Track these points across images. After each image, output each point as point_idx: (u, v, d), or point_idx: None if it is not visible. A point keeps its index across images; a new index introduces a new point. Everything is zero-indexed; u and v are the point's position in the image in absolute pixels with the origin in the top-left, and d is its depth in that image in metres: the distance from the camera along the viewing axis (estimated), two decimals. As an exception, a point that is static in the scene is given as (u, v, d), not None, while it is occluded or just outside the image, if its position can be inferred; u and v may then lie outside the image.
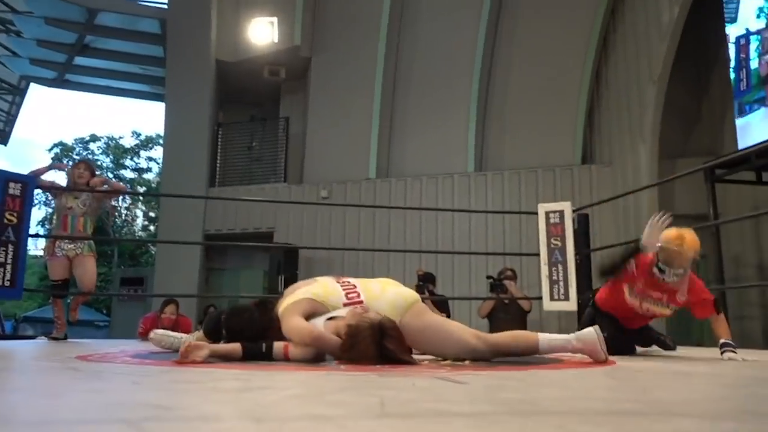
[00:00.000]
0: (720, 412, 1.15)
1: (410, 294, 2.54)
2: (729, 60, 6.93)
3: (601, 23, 8.21)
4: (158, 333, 3.09)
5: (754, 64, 6.61)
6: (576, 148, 8.35)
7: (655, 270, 2.96)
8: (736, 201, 7.04)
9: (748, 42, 6.72)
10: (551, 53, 8.41)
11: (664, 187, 7.08)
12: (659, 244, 2.96)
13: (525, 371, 2.07)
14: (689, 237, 2.92)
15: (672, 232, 2.96)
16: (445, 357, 2.42)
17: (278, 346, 2.27)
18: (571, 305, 5.14)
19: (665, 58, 7.15)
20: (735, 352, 2.83)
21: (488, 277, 6.06)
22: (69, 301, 5.17)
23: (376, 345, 2.08)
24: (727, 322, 3.01)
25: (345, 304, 2.39)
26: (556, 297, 5.15)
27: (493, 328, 6.01)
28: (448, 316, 5.96)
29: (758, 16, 6.73)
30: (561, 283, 5.13)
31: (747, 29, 6.71)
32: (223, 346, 2.33)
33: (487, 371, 2.01)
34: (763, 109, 6.54)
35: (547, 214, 5.32)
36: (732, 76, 6.79)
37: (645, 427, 0.96)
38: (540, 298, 5.30)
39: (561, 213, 5.24)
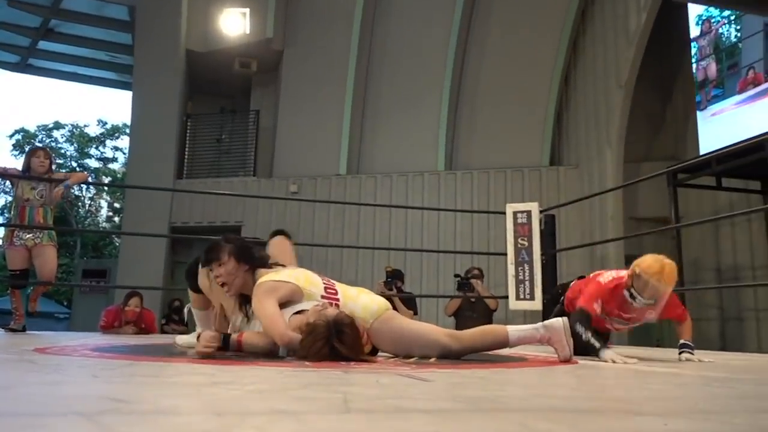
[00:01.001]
0: (674, 411, 1.18)
1: (383, 301, 2.57)
2: (692, 66, 7.14)
3: (571, 27, 8.34)
4: (182, 339, 3.11)
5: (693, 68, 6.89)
6: (544, 149, 8.47)
7: (626, 293, 2.91)
8: (697, 205, 7.24)
9: (688, 47, 6.99)
10: (522, 56, 8.51)
11: (628, 190, 7.25)
12: (637, 270, 2.86)
13: (488, 369, 2.10)
14: (668, 270, 2.84)
15: (651, 262, 2.86)
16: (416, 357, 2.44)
17: (233, 338, 2.26)
18: (537, 305, 5.22)
19: (632, 63, 7.30)
20: (692, 353, 2.88)
21: (456, 276, 6.11)
22: (29, 292, 5.04)
23: (329, 343, 2.07)
24: (691, 324, 3.03)
25: (322, 296, 2.40)
26: (522, 296, 5.23)
27: (460, 326, 6.06)
28: (416, 314, 5.99)
29: (697, 23, 6.98)
30: (527, 283, 5.21)
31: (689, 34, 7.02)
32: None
33: (450, 369, 2.03)
34: (698, 113, 6.78)
35: (514, 214, 5.40)
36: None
37: (602, 425, 0.98)
38: (506, 297, 5.37)
39: (528, 213, 5.31)
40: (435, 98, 8.70)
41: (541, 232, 5.35)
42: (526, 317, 7.48)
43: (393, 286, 5.81)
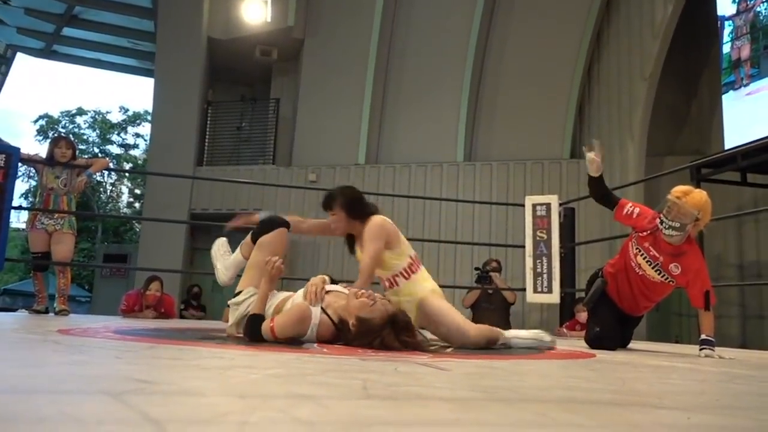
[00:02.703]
0: (696, 406, 1.17)
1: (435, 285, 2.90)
2: (719, 60, 6.99)
3: (595, 19, 8.22)
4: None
5: (726, 48, 6.71)
6: (565, 142, 8.39)
7: (658, 221, 2.94)
8: (721, 201, 7.10)
9: (722, 27, 6.82)
10: (544, 46, 8.42)
11: (650, 184, 7.15)
12: (668, 195, 2.93)
13: (506, 360, 2.09)
14: (695, 193, 2.86)
15: (681, 186, 2.94)
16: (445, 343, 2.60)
17: (265, 325, 2.27)
18: (554, 298, 5.19)
19: (657, 56, 7.19)
20: (713, 350, 2.84)
21: (476, 269, 6.10)
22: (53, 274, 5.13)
23: (392, 339, 2.08)
24: (713, 319, 2.97)
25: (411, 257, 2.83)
26: (539, 290, 5.20)
27: (477, 318, 6.06)
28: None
29: (733, 1, 6.82)
30: (545, 276, 5.18)
31: (722, 15, 6.82)
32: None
33: (467, 359, 2.03)
34: (731, 93, 6.63)
35: (533, 206, 5.36)
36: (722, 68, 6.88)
37: (623, 417, 0.98)
38: (524, 290, 5.35)
39: (548, 206, 5.28)
40: (455, 88, 8.64)
41: (561, 225, 5.32)
42: (543, 310, 7.46)
43: (410, 276, 5.81)
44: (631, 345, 3.41)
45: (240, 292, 2.62)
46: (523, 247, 5.37)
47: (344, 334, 2.21)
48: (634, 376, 1.78)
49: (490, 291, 5.90)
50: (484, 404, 1.03)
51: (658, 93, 7.38)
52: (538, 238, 5.27)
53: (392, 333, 2.09)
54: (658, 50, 7.15)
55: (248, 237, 2.84)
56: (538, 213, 5.32)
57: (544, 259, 5.20)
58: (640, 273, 3.10)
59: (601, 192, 3.31)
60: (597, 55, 8.45)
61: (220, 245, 3.01)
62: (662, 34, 7.07)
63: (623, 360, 2.44)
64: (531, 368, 1.88)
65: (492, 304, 5.94)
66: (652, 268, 3.04)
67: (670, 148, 8.03)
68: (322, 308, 2.27)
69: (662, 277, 3.03)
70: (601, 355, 2.71)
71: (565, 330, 5.52)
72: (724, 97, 6.65)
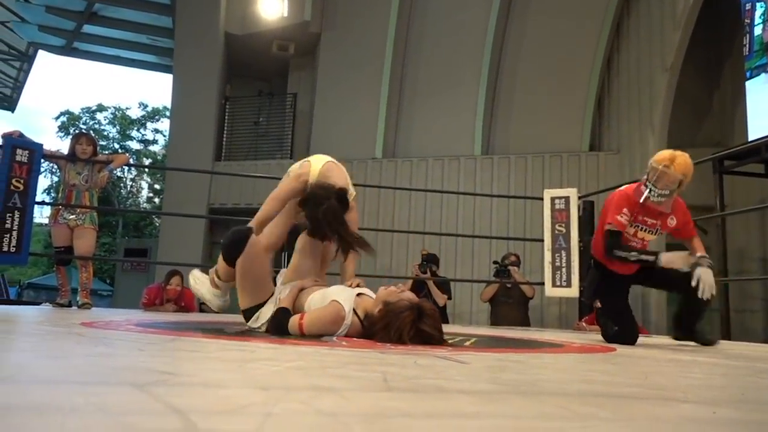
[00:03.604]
0: (720, 400, 1.15)
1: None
2: (743, 50, 6.85)
3: (615, 9, 8.11)
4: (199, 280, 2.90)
5: (758, 30, 6.56)
6: (584, 134, 8.31)
7: (643, 188, 2.99)
8: (744, 193, 7.00)
9: (753, 8, 6.66)
10: (563, 38, 8.33)
11: (671, 177, 7.03)
12: (650, 162, 3.02)
13: (525, 354, 2.09)
14: (680, 159, 2.96)
15: (665, 152, 3.02)
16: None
17: (293, 320, 2.28)
18: (573, 292, 5.16)
19: (678, 46, 7.07)
20: (710, 267, 2.93)
21: (494, 263, 6.08)
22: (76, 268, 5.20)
23: (414, 327, 2.06)
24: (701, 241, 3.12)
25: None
26: (558, 283, 5.17)
27: (495, 312, 6.05)
28: (450, 298, 5.99)
29: None
30: (563, 270, 5.15)
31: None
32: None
33: (487, 352, 2.03)
34: (763, 75, 6.49)
35: (552, 199, 5.33)
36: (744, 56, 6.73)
37: (645, 411, 0.97)
38: (542, 284, 5.32)
39: (566, 199, 5.24)
40: (473, 82, 8.59)
41: (580, 218, 5.28)
42: (562, 304, 7.41)
43: (428, 269, 5.82)
44: (651, 340, 3.37)
45: (250, 309, 2.56)
46: (542, 240, 5.34)
47: (368, 325, 2.21)
48: (656, 370, 1.76)
49: (509, 285, 5.88)
50: (505, 397, 1.03)
51: (679, 84, 7.27)
52: (556, 232, 5.23)
53: (417, 319, 2.08)
54: (679, 40, 7.04)
55: (220, 260, 2.69)
56: (557, 206, 5.28)
57: (563, 253, 5.17)
58: (643, 243, 3.11)
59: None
60: (616, 45, 8.34)
61: (196, 277, 2.89)
62: (684, 24, 6.95)
63: (644, 354, 2.42)
64: (551, 362, 1.87)
65: (510, 298, 5.92)
66: (653, 233, 3.10)
67: (692, 140, 7.91)
68: (354, 310, 2.27)
69: (660, 234, 3.13)
70: (622, 349, 2.69)
71: (584, 324, 5.48)
72: (749, 84, 6.51)
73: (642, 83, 7.80)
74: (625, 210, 3.03)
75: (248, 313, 2.56)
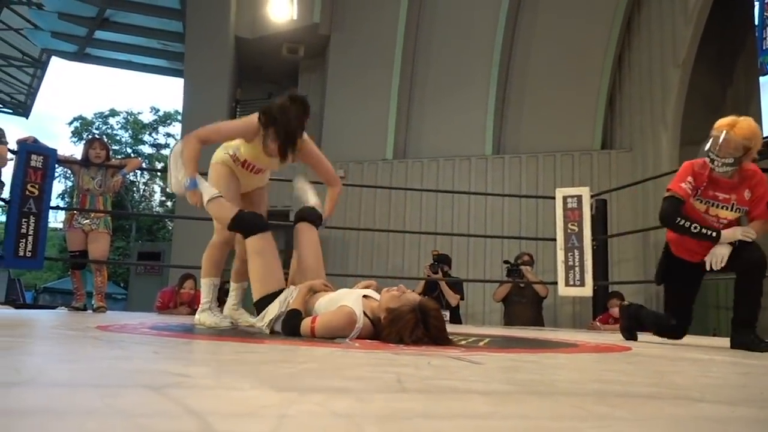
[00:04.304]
0: (739, 399, 1.14)
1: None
2: (756, 45, 6.77)
3: (625, 5, 8.05)
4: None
5: None
6: (596, 132, 8.26)
7: (707, 160, 2.77)
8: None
9: (766, 3, 6.57)
10: (573, 36, 8.28)
11: (684, 175, 6.97)
12: (711, 132, 2.78)
13: (539, 354, 2.08)
14: (742, 123, 2.72)
15: (725, 119, 2.79)
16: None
17: (305, 323, 2.28)
18: (587, 291, 5.13)
19: (690, 42, 7.00)
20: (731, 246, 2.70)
21: (505, 262, 6.05)
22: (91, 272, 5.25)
23: (420, 326, 2.09)
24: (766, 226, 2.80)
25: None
26: (571, 283, 5.14)
27: (509, 312, 6.02)
28: (462, 299, 5.97)
29: None
30: (577, 269, 5.12)
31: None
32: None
33: (501, 353, 2.02)
34: None
35: (564, 198, 5.30)
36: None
37: (663, 411, 0.96)
38: (555, 283, 5.29)
39: (579, 198, 5.21)
40: (483, 81, 8.57)
41: (592, 217, 5.24)
42: (576, 304, 7.37)
43: (439, 270, 5.80)
44: (670, 340, 3.33)
45: (262, 301, 2.56)
46: (554, 240, 5.31)
47: (378, 330, 2.23)
48: (672, 370, 1.75)
49: (522, 285, 5.85)
50: (520, 398, 1.03)
51: (691, 80, 7.20)
52: (569, 231, 5.20)
53: (421, 319, 2.10)
54: (691, 36, 6.97)
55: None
56: (569, 205, 5.25)
57: (576, 252, 5.14)
58: (719, 222, 2.83)
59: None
60: (627, 42, 8.28)
61: (178, 152, 2.91)
62: (695, 19, 6.89)
63: (660, 353, 2.40)
64: (566, 362, 1.86)
65: (524, 298, 5.89)
66: (730, 210, 2.82)
67: (705, 136, 7.82)
68: (364, 313, 2.28)
69: (739, 212, 2.82)
70: (637, 348, 2.67)
71: (598, 324, 5.45)
72: (763, 80, 6.43)
73: (654, 80, 7.74)
74: (689, 179, 2.80)
75: (260, 305, 2.56)
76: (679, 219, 2.78)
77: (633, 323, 3.26)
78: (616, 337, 3.35)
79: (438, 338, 2.12)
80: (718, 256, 2.74)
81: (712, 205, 2.82)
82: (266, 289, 2.54)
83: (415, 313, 2.11)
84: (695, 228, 2.74)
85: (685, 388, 1.28)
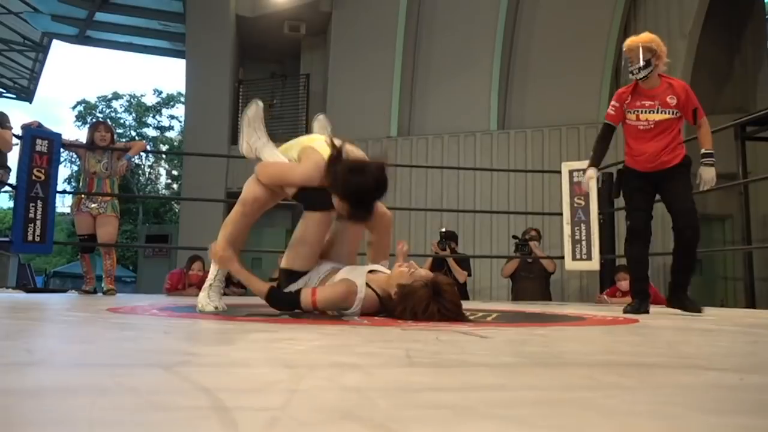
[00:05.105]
0: (748, 366, 1.14)
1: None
2: (764, 13, 6.67)
3: (631, -25, 7.91)
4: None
5: None
6: (602, 105, 8.17)
7: (630, 77, 3.34)
8: (767, 159, 6.87)
9: None
10: (578, 7, 8.16)
11: (692, 145, 6.92)
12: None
13: (547, 328, 2.08)
14: (640, 35, 3.33)
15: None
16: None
17: (305, 293, 2.28)
18: (594, 265, 5.13)
19: (696, 12, 6.90)
20: (712, 165, 3.26)
21: (514, 237, 6.05)
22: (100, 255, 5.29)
23: (434, 302, 2.07)
24: (710, 132, 3.38)
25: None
26: (578, 257, 5.14)
27: (516, 288, 6.04)
28: (470, 275, 5.99)
29: None
30: (584, 243, 5.12)
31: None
32: (250, 278, 2.40)
33: (508, 327, 2.03)
34: None
35: (570, 172, 5.27)
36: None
37: (672, 379, 0.96)
38: (562, 258, 5.29)
39: (585, 171, 5.17)
40: (486, 56, 8.48)
41: (599, 190, 5.22)
42: (583, 278, 7.38)
43: (447, 246, 5.81)
44: (676, 309, 3.33)
45: (287, 274, 2.47)
46: (561, 214, 5.30)
47: (387, 305, 2.23)
48: (680, 340, 1.75)
49: (529, 260, 5.85)
50: (529, 369, 1.03)
51: (698, 50, 7.11)
52: (575, 205, 5.19)
53: (434, 295, 2.09)
54: (697, 5, 6.86)
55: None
56: (576, 179, 5.22)
57: (583, 226, 5.13)
58: (650, 124, 3.32)
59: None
60: (633, 13, 8.16)
61: (256, 113, 2.77)
62: (702, -12, 6.78)
63: (668, 324, 2.41)
64: (573, 334, 1.87)
65: (531, 273, 5.90)
66: (657, 112, 3.30)
67: (713, 106, 7.74)
68: (367, 283, 2.28)
69: (665, 113, 3.29)
70: (645, 320, 2.67)
71: (605, 297, 5.45)
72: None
73: (660, 50, 7.62)
74: (612, 103, 3.44)
75: (285, 275, 2.47)
76: (597, 140, 3.63)
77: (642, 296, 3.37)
78: (623, 310, 3.35)
79: (454, 314, 2.09)
80: (707, 179, 3.28)
81: (641, 113, 3.33)
82: (297, 265, 2.47)
83: (428, 289, 2.09)
84: (594, 148, 3.66)
85: (693, 357, 1.29)
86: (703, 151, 3.29)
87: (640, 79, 3.27)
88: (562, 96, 8.22)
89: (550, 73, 8.31)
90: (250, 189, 2.54)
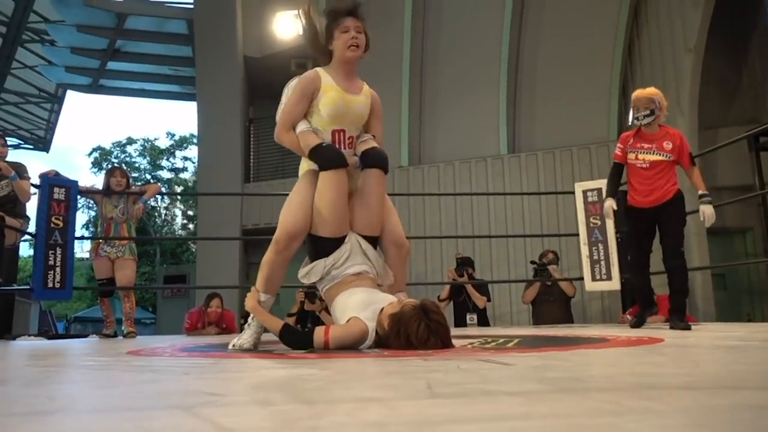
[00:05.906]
0: (778, 383, 1.11)
1: None
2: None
3: (631, -6, 7.98)
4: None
5: None
6: (611, 123, 8.18)
7: (635, 123, 3.86)
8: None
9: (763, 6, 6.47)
10: (581, 27, 8.23)
11: (706, 159, 6.89)
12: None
13: (569, 351, 2.05)
14: (647, 88, 3.87)
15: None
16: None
17: (318, 333, 2.28)
18: (614, 285, 5.06)
19: (701, 25, 6.92)
20: (711, 203, 3.67)
21: (532, 263, 6.00)
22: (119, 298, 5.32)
23: (424, 322, 2.11)
24: (701, 175, 3.82)
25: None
26: (598, 277, 5.08)
27: (537, 312, 5.96)
28: (489, 300, 5.93)
29: None
30: (602, 263, 5.06)
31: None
32: (266, 316, 2.46)
33: (531, 353, 2.00)
34: None
35: (584, 192, 5.25)
36: None
37: (702, 401, 0.94)
38: (582, 279, 5.23)
39: (599, 191, 5.15)
40: (492, 81, 8.54)
41: (614, 209, 5.17)
42: (604, 298, 7.28)
43: (464, 272, 5.78)
44: (701, 326, 3.27)
45: (315, 242, 2.54)
46: (577, 235, 5.25)
47: (381, 337, 2.25)
48: (707, 359, 1.71)
49: (549, 283, 5.79)
50: (554, 396, 1.01)
51: (705, 63, 7.11)
52: (591, 225, 5.15)
53: (424, 316, 2.13)
54: (701, 19, 6.88)
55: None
56: (590, 199, 5.20)
57: (600, 246, 5.08)
58: (646, 164, 3.80)
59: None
60: (636, 31, 8.21)
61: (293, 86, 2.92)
62: (704, 2, 6.81)
63: (694, 343, 2.36)
64: (597, 358, 1.83)
65: (551, 296, 5.83)
66: (653, 154, 3.80)
67: (723, 119, 7.72)
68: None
69: (661, 155, 3.79)
70: (670, 339, 2.62)
71: (629, 317, 5.36)
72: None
73: (666, 66, 7.65)
74: (618, 145, 3.98)
75: (313, 244, 2.52)
76: (609, 177, 4.12)
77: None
78: (646, 330, 3.29)
79: (441, 334, 2.13)
80: (708, 215, 3.67)
81: (641, 153, 3.85)
82: (326, 230, 2.50)
83: (417, 310, 2.14)
84: (607, 184, 4.15)
85: (722, 377, 1.25)
86: (700, 192, 3.75)
87: (644, 125, 3.83)
88: (571, 116, 8.24)
89: (557, 94, 8.35)
90: (282, 226, 2.57)
